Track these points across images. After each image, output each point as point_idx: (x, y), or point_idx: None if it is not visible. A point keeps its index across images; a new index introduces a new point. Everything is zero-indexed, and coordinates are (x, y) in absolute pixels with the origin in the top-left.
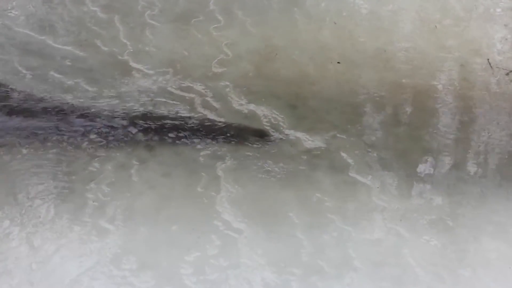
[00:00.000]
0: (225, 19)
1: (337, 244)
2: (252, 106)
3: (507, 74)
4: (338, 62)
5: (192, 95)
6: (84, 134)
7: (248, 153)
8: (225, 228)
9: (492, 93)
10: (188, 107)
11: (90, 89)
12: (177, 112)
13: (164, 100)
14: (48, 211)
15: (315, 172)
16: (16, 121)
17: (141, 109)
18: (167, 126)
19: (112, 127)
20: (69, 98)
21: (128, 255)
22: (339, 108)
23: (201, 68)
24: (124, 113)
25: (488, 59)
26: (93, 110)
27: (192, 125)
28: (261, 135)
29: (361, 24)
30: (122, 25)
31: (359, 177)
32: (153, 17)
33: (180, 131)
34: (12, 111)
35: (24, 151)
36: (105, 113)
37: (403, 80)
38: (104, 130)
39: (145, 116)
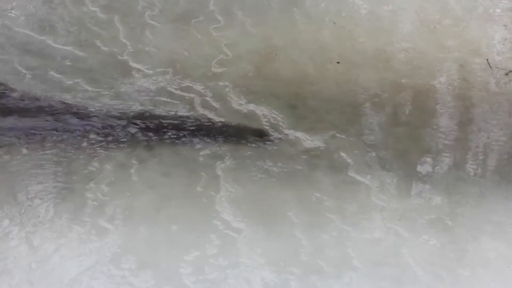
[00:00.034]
0: (225, 20)
1: (336, 243)
2: (251, 106)
3: (506, 74)
4: (338, 62)
5: (191, 95)
6: (84, 134)
7: (248, 152)
8: (224, 227)
9: (491, 93)
10: (188, 107)
11: (90, 89)
12: (176, 112)
13: (164, 100)
14: (48, 211)
15: (314, 171)
16: (15, 121)
17: (141, 109)
18: (166, 125)
19: (111, 127)
20: (69, 98)
21: (127, 254)
22: (339, 108)
23: (201, 68)
24: (123, 113)
25: (487, 59)
26: (93, 110)
27: (192, 125)
28: (261, 135)
29: (361, 24)
30: (122, 25)
31: (358, 177)
32: (153, 17)
33: (179, 131)
34: (12, 111)
35: (24, 150)
36: (105, 113)
37: (403, 80)
38: (103, 130)
39: (144, 116)
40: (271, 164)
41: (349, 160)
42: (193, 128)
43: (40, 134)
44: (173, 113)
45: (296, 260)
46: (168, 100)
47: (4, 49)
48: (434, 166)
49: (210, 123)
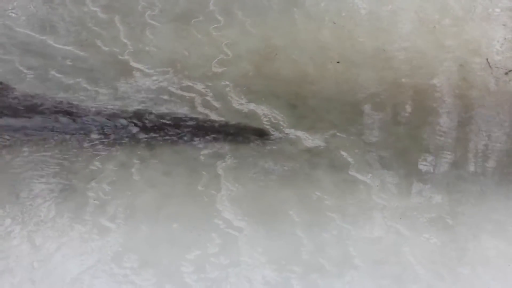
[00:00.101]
0: (225, 19)
1: (337, 242)
2: (252, 106)
3: (506, 73)
4: (338, 62)
5: (192, 95)
6: (85, 134)
7: (248, 152)
8: (225, 226)
9: (491, 93)
10: (189, 107)
11: (90, 88)
12: (177, 112)
13: (164, 99)
14: (49, 210)
15: (315, 170)
16: (17, 120)
17: (142, 108)
18: (167, 125)
19: (112, 126)
20: (70, 97)
21: (129, 253)
22: (339, 107)
23: (201, 68)
24: (124, 112)
25: (487, 59)
26: (93, 109)
27: (193, 124)
28: (261, 134)
29: (361, 24)
30: (122, 25)
31: (359, 176)
32: (154, 17)
33: (180, 130)
34: (13, 111)
35: (25, 150)
36: (106, 112)
37: (403, 80)
38: (104, 129)
39: (145, 116)
40: (272, 163)
41: (349, 159)
42: (193, 127)
43: (42, 134)
44: (173, 112)
45: (297, 258)
46: (169, 99)
47: (5, 49)
48: (435, 165)
49: (210, 123)
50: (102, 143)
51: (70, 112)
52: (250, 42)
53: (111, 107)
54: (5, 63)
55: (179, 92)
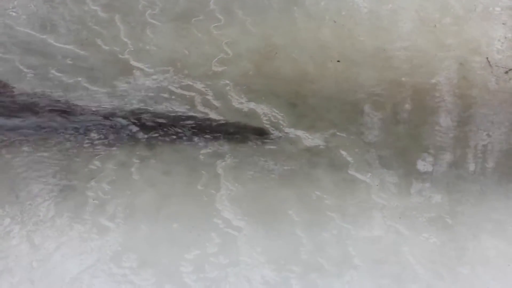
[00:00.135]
0: (225, 18)
1: (337, 242)
2: (252, 105)
3: (506, 72)
4: (338, 61)
5: (192, 94)
6: (85, 133)
7: (248, 151)
8: (225, 226)
9: (491, 92)
10: (189, 106)
11: (91, 87)
12: (177, 111)
13: (164, 98)
14: (49, 209)
15: (314, 170)
16: (17, 119)
17: (142, 107)
18: (167, 124)
19: (112, 125)
20: (70, 96)
21: (128, 253)
22: (339, 106)
23: (202, 67)
24: (124, 111)
25: (487, 58)
26: (93, 108)
27: (192, 123)
28: (261, 133)
29: (361, 23)
30: (122, 24)
31: (358, 175)
32: (154, 16)
33: (180, 129)
34: (13, 110)
35: (25, 149)
36: (106, 111)
37: (403, 79)
38: (104, 128)
39: (145, 115)
40: (272, 162)
41: (349, 158)
42: (193, 126)
43: (41, 133)
44: (173, 111)
45: (296, 258)
46: (169, 98)
47: (5, 48)
48: (434, 164)
49: (210, 122)
50: (102, 142)
51: (70, 111)
52: (250, 41)
53: (111, 106)
54: (5, 62)
55: (179, 91)
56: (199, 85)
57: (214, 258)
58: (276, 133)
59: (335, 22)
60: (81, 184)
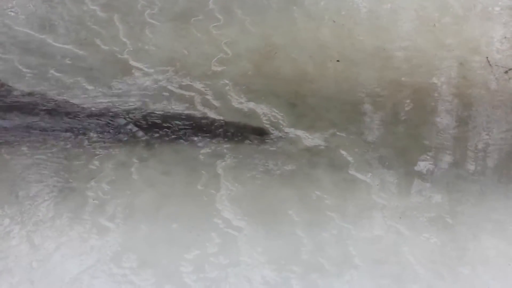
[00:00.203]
0: (225, 18)
1: (337, 242)
2: (251, 105)
3: (506, 72)
4: (338, 61)
5: (192, 94)
6: (85, 133)
7: (248, 151)
8: (225, 226)
9: (491, 91)
10: (188, 106)
11: (90, 87)
12: (177, 111)
13: (164, 98)
14: (48, 210)
15: (314, 170)
16: (16, 119)
17: (141, 107)
18: (167, 124)
19: (112, 125)
20: (69, 96)
21: (128, 253)
22: (339, 106)
23: (201, 67)
24: (124, 111)
25: (487, 57)
26: (93, 108)
27: (192, 123)
28: (261, 133)
29: (360, 22)
30: (121, 24)
31: (358, 175)
32: (153, 16)
33: (180, 129)
34: (12, 110)
35: (25, 149)
36: (105, 111)
37: (402, 79)
38: (104, 128)
39: (145, 115)
40: (272, 162)
41: (349, 158)
42: (193, 126)
43: (41, 133)
44: (173, 111)
45: (296, 258)
46: (168, 98)
47: (4, 48)
48: (434, 164)
49: (210, 122)
50: (101, 142)
51: (69, 111)
52: (249, 40)
53: (110, 106)
54: (4, 62)
55: (178, 91)
56: (198, 85)
57: (214, 258)
58: (276, 133)
59: (334, 22)
60: (80, 184)
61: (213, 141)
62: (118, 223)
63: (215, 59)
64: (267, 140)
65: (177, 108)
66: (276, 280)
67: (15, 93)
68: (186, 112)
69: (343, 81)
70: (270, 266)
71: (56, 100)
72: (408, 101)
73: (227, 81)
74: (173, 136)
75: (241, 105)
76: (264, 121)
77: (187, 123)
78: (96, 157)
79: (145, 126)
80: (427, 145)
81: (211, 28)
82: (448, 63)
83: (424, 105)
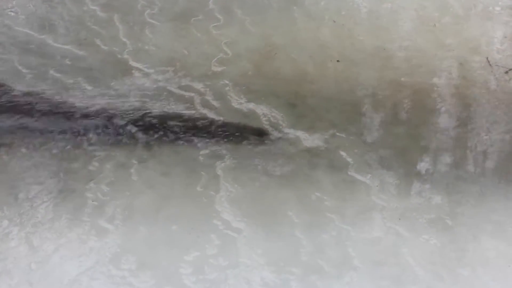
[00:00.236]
0: (225, 18)
1: (337, 243)
2: (251, 105)
3: (506, 72)
4: (338, 61)
5: (191, 94)
6: (84, 133)
7: (248, 152)
8: (224, 227)
9: (491, 91)
10: (188, 106)
11: (89, 88)
12: (176, 111)
13: (163, 98)
14: (47, 211)
15: (314, 171)
16: (15, 120)
17: (141, 108)
18: (166, 125)
19: (111, 126)
20: (68, 97)
21: (127, 254)
22: (339, 106)
23: (201, 67)
24: (123, 112)
25: (487, 57)
26: (92, 109)
27: (192, 124)
28: (261, 134)
29: (360, 22)
30: (121, 24)
31: (358, 176)
32: (153, 16)
33: (179, 130)
34: (11, 110)
35: (23, 150)
36: (105, 112)
37: (402, 79)
38: (103, 129)
39: (144, 115)
40: (271, 163)
41: (349, 159)
42: (193, 127)
43: (40, 134)
44: (172, 112)
45: (296, 260)
46: (168, 99)
47: (4, 48)
48: (434, 165)
49: (210, 122)
50: (101, 143)
51: (68, 111)
52: (249, 41)
53: (110, 106)
54: (3, 62)
55: (178, 91)
56: (198, 85)
57: (214, 260)
58: (275, 134)
59: (334, 21)
60: (79, 185)
61: (213, 142)
62: (117, 225)
63: (215, 59)
64: (266, 141)
65: (177, 108)
66: (275, 282)
67: (14, 93)
68: (186, 112)
69: (343, 81)
70: (269, 267)
71: (55, 101)
72: (408, 101)
73: (227, 82)
74: (172, 137)
75: (241, 105)
76: (264, 122)
77: (186, 123)
78: (95, 158)
79: (145, 126)
80: (427, 146)
81: (211, 28)
82: (448, 63)
83: (424, 106)
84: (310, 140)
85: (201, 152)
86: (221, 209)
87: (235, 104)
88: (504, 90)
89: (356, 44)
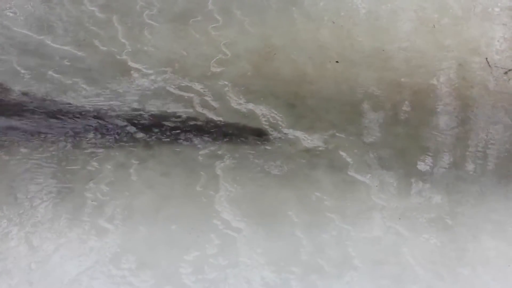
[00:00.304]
0: (224, 19)
1: (337, 243)
2: (251, 106)
3: (505, 73)
4: (337, 62)
5: (190, 95)
6: (83, 134)
7: (247, 152)
8: (224, 227)
9: (491, 92)
10: (187, 107)
11: (88, 88)
12: (176, 112)
13: (162, 99)
14: (47, 211)
15: (314, 171)
16: (14, 121)
17: (140, 108)
18: (166, 125)
19: (111, 126)
20: (67, 97)
21: (127, 254)
22: (338, 107)
23: (200, 68)
24: (122, 112)
25: (486, 58)
26: (92, 109)
27: (191, 124)
28: (260, 134)
29: (360, 23)
30: (120, 25)
31: (358, 176)
32: (152, 17)
33: (179, 130)
34: (11, 111)
35: (23, 150)
36: (104, 112)
37: (402, 79)
38: (103, 129)
39: (144, 116)
40: (271, 163)
41: (348, 159)
42: (192, 127)
43: (39, 134)
44: (172, 112)
45: (296, 259)
46: (167, 99)
47: (3, 49)
48: (434, 165)
49: (209, 123)
50: (100, 143)
51: (68, 112)
52: (248, 41)
53: (109, 107)
54: (2, 63)
55: (177, 92)
56: (197, 86)
57: (214, 260)
58: (275, 134)
59: (334, 22)
60: (79, 185)
61: (212, 142)
62: (117, 224)
63: (214, 60)
64: (266, 141)
65: (176, 109)
66: (275, 281)
67: (13, 94)
68: (185, 113)
69: (342, 82)
70: (269, 267)
71: (54, 101)
72: (407, 102)
73: (226, 82)
74: (172, 137)
75: (240, 106)
76: (263, 122)
77: (186, 124)
78: (94, 158)
79: (144, 127)
80: (427, 146)
81: (210, 29)
82: (448, 64)
83: (423, 106)
84: (309, 140)
85: (201, 152)
86: (221, 209)
87: (234, 105)
88: (503, 91)
89: (355, 45)
